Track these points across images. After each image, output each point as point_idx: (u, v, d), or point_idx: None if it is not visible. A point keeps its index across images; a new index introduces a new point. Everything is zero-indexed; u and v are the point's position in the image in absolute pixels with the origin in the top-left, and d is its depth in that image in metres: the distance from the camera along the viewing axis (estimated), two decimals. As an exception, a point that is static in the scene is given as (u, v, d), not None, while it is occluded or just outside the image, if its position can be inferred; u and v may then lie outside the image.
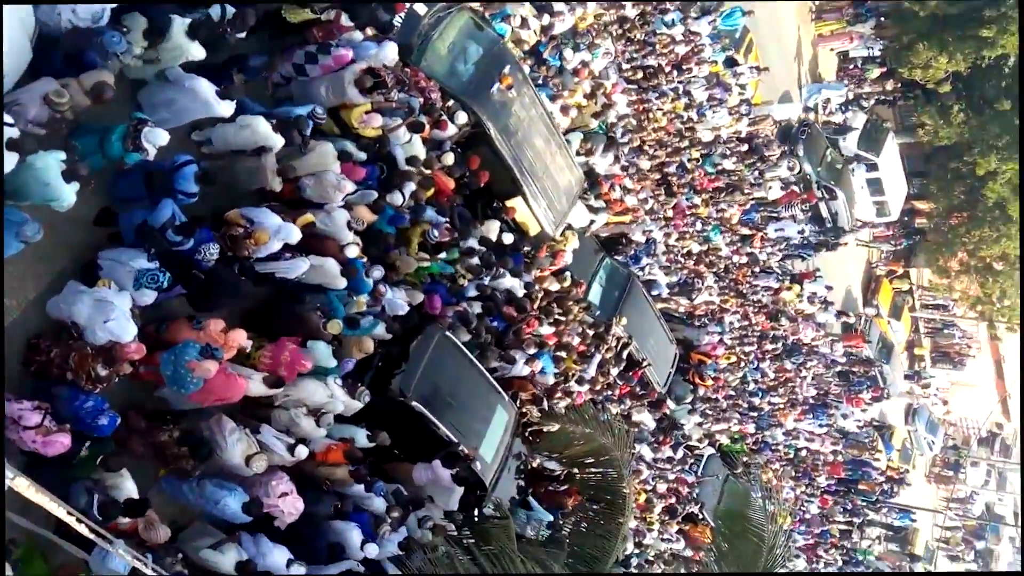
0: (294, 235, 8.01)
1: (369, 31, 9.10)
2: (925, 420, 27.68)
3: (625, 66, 14.55)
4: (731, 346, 17.50)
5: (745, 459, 18.06)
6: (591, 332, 13.01)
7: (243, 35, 7.82)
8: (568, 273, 12.44)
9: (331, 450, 8.68)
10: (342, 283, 8.77)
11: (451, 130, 10.09)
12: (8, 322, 6.98)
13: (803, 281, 19.98)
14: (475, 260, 10.51)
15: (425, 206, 9.76)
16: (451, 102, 10.20)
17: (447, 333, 10.27)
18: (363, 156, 8.97)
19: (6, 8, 6.06)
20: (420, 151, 9.68)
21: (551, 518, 11.39)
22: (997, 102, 22.02)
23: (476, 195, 10.91)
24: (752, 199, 17.95)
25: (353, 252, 8.76)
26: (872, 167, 22.81)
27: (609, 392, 13.50)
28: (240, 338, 7.66)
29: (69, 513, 5.77)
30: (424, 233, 9.85)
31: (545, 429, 11.35)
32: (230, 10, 7.55)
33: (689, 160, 15.87)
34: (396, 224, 9.62)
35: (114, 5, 6.66)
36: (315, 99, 8.84)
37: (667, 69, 15.15)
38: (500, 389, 10.95)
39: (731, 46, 17.70)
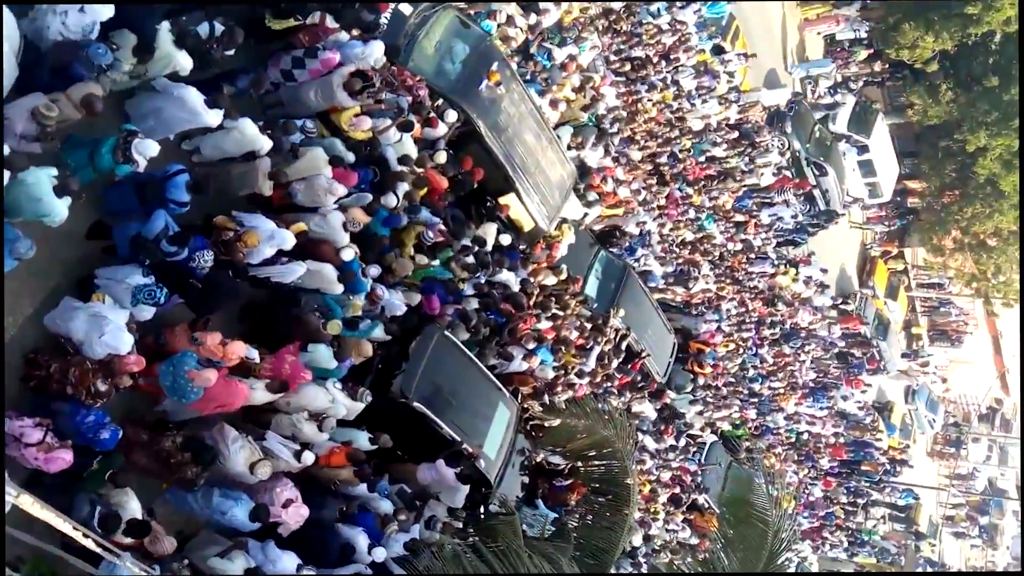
0: (288, 241, 8.01)
1: (355, 32, 9.08)
2: (925, 399, 27.78)
3: (612, 58, 14.54)
4: (729, 333, 17.53)
5: (747, 444, 18.11)
6: (589, 325, 13.02)
7: (231, 52, 7.82)
8: (564, 267, 12.45)
9: (334, 453, 8.68)
10: (339, 288, 8.77)
11: (442, 128, 10.08)
12: (6, 339, 6.97)
13: (798, 265, 20.02)
14: (470, 259, 10.52)
15: (420, 206, 9.75)
16: (440, 101, 10.19)
17: (446, 333, 10.27)
18: (351, 157, 8.95)
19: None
20: (412, 150, 9.68)
21: (556, 516, 11.42)
22: (985, 79, 22.07)
23: (470, 195, 10.91)
24: (744, 186, 17.96)
25: (349, 255, 8.76)
26: (863, 149, 22.84)
27: (609, 384, 13.53)
28: (239, 350, 7.66)
29: (75, 528, 5.77)
30: (419, 235, 9.85)
31: (547, 424, 11.38)
32: (218, 28, 7.56)
33: (681, 150, 15.87)
34: (390, 226, 9.62)
35: (104, 20, 6.63)
36: (305, 104, 8.83)
37: (655, 59, 15.15)
38: (501, 386, 10.96)
39: (717, 33, 17.70)
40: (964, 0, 20.59)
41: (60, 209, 6.51)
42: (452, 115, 10.14)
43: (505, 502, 10.09)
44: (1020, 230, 22.86)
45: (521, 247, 11.71)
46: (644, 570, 12.95)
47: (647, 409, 14.78)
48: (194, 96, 7.34)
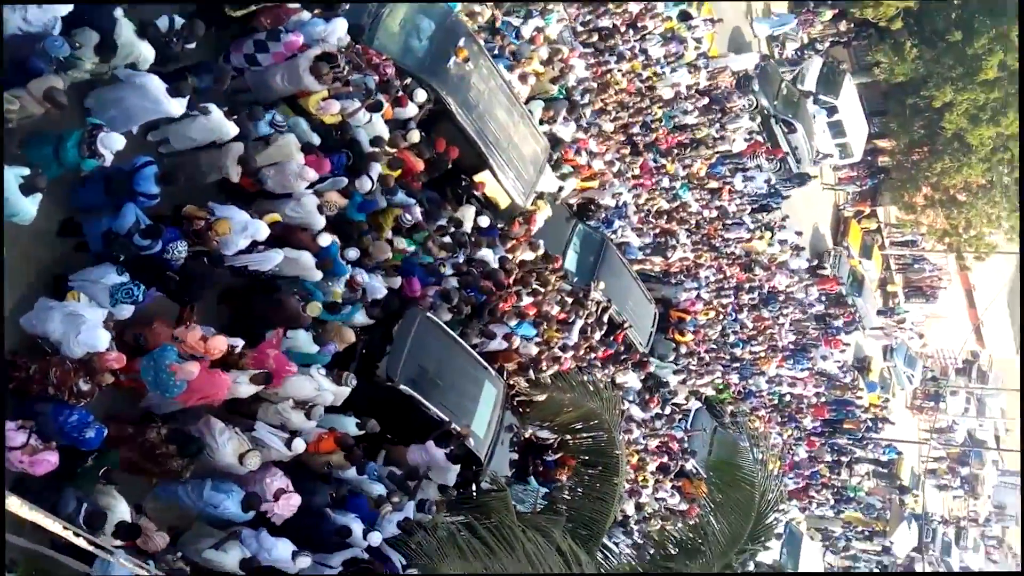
0: (262, 232, 7.93)
1: (316, 11, 8.94)
2: (903, 355, 28.22)
3: (580, 29, 14.47)
4: (709, 300, 17.66)
5: (731, 408, 18.30)
6: (570, 300, 13.06)
7: (192, 45, 7.67)
8: (541, 242, 12.44)
9: (322, 439, 8.67)
10: (318, 275, 8.71)
11: (412, 108, 9.98)
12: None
13: (774, 229, 20.16)
14: (447, 239, 10.48)
15: (396, 188, 9.68)
16: (408, 80, 10.09)
17: (428, 314, 10.25)
18: (317, 139, 8.81)
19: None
20: (383, 130, 9.58)
21: (547, 490, 11.50)
22: (948, 34, 22.22)
23: (445, 175, 10.84)
24: (717, 152, 18.01)
25: (326, 241, 8.70)
26: (832, 110, 22.96)
27: (593, 356, 13.59)
28: (221, 344, 7.59)
29: (65, 528, 5.72)
30: (397, 218, 9.78)
31: (534, 399, 11.42)
32: (178, 21, 7.44)
33: (653, 120, 15.86)
34: (366, 211, 9.54)
35: (63, 14, 6.49)
36: (271, 88, 8.70)
37: (622, 28, 15.09)
38: (486, 364, 10.98)
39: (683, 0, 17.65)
40: (925, -44, 20.71)
41: (28, 208, 6.40)
42: (421, 94, 10.04)
43: (496, 479, 10.14)
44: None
45: (499, 224, 11.68)
46: (636, 538, 13.10)
47: (631, 379, 14.89)
48: (156, 84, 7.20)
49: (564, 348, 12.51)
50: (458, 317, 10.69)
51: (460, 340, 10.60)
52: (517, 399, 11.77)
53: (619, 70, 14.89)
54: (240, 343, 7.77)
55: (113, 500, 6.93)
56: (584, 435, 10.45)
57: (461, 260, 10.92)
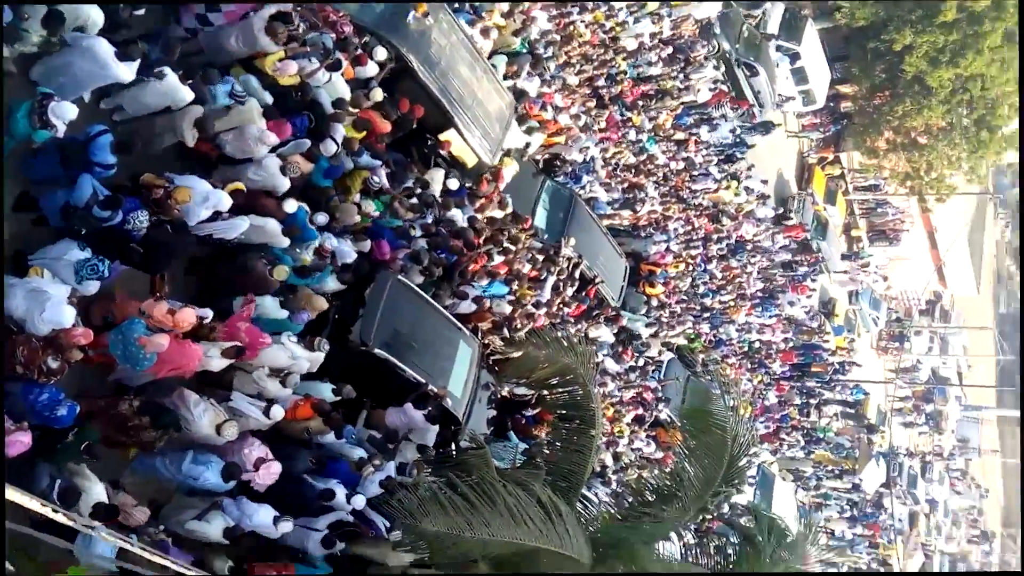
0: (225, 202, 7.77)
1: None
2: (868, 298, 28.76)
3: (540, -21, 14.20)
4: (678, 253, 17.77)
5: (703, 357, 18.56)
6: (541, 257, 13.05)
7: (141, 12, 7.39)
8: (508, 198, 12.36)
9: (299, 406, 8.63)
10: (285, 242, 8.58)
11: (372, 67, 9.78)
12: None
13: (739, 178, 20.25)
14: (413, 200, 10.37)
15: (361, 150, 9.51)
16: (367, 37, 9.86)
17: (399, 277, 10.19)
18: (270, 98, 8.56)
19: None
20: (344, 90, 9.39)
21: (526, 446, 11.62)
22: (907, -24, 22.29)
23: (409, 135, 10.68)
24: (682, 103, 17.95)
25: (292, 207, 8.55)
26: (795, 57, 22.96)
27: (565, 311, 13.64)
28: (189, 316, 7.48)
29: (43, 505, 5.65)
30: (365, 180, 9.64)
31: (509, 357, 11.47)
32: None
33: (617, 72, 15.73)
34: (333, 176, 9.38)
35: None
36: (226, 50, 8.45)
37: (583, -23, 14.84)
38: (460, 325, 10.97)
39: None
40: None
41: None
42: (381, 52, 9.84)
43: (475, 437, 10.21)
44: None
45: (467, 184, 11.57)
46: (614, 487, 13.34)
47: (604, 333, 15.00)
48: (104, 47, 6.96)
49: (537, 305, 12.53)
50: (430, 279, 10.64)
51: (432, 301, 10.56)
52: (492, 357, 11.81)
53: (582, 21, 14.69)
54: (210, 314, 7.66)
55: (88, 482, 6.85)
56: (560, 390, 10.54)
57: (430, 221, 10.84)
